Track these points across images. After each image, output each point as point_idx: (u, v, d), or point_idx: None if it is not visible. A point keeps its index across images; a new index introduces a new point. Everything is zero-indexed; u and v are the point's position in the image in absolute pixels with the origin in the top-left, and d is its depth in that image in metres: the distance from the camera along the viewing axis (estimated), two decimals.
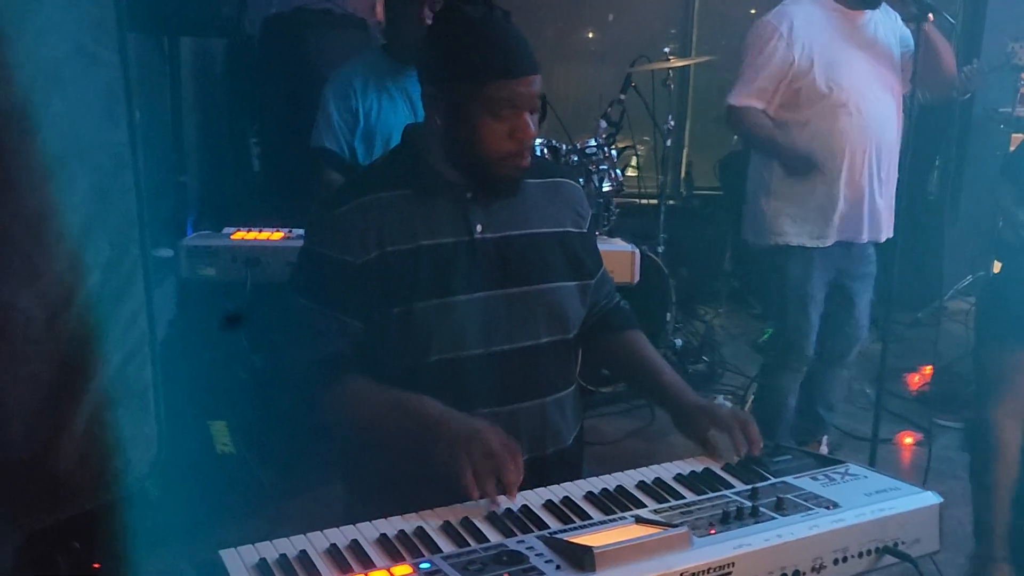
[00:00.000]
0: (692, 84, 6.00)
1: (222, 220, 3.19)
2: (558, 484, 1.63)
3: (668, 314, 4.43)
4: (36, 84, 0.80)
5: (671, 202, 5.79)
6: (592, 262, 1.96)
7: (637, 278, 3.02)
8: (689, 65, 5.74)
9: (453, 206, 1.78)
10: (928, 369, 4.77)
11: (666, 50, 4.86)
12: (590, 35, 6.23)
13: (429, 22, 2.87)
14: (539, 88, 1.71)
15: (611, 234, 4.55)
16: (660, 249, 4.85)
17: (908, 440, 4.06)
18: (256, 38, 4.76)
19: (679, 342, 4.65)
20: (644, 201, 5.40)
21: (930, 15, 2.99)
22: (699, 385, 4.54)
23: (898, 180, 3.38)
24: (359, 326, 1.76)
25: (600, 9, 6.12)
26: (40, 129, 0.82)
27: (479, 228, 1.79)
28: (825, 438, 3.67)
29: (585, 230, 1.95)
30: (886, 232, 3.29)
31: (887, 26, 3.23)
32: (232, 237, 2.67)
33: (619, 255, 2.95)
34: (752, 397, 3.87)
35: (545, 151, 4.22)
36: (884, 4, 3.14)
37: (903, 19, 3.16)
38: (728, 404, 4.27)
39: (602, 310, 2.05)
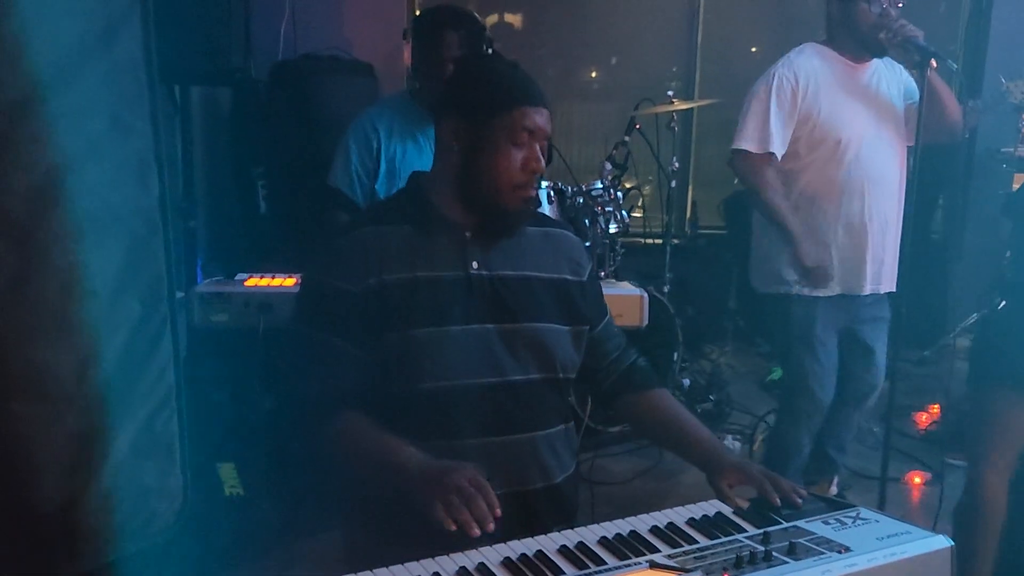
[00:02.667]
0: (696, 124, 6.06)
1: (230, 264, 3.22)
2: (547, 522, 1.69)
3: (675, 354, 4.44)
4: (75, 154, 0.84)
5: (676, 242, 5.83)
6: (591, 311, 2.02)
7: (646, 322, 3.04)
8: (693, 108, 5.81)
9: (452, 243, 1.87)
10: (935, 407, 4.78)
11: (669, 93, 4.93)
12: (594, 77, 6.30)
13: None
14: (549, 124, 1.84)
15: (617, 274, 4.58)
16: (666, 289, 4.89)
17: (917, 480, 4.06)
18: (264, 84, 4.83)
19: (687, 381, 4.66)
20: (649, 241, 5.44)
21: (933, 62, 3.03)
22: (707, 424, 4.53)
23: (903, 219, 3.41)
24: (357, 353, 1.80)
25: (603, 51, 6.19)
26: (78, 196, 0.86)
27: (475, 265, 1.86)
28: (835, 479, 3.67)
29: (583, 279, 2.01)
30: (888, 283, 3.30)
31: (891, 78, 3.28)
32: (245, 284, 2.70)
33: (628, 299, 2.98)
34: (761, 437, 3.87)
35: (551, 193, 4.26)
36: (887, 56, 3.18)
37: (906, 67, 3.21)
38: (736, 444, 4.29)
39: (617, 366, 2.10)
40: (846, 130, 3.17)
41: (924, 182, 5.86)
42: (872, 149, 3.20)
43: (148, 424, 1.02)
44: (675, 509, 1.74)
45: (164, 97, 3.68)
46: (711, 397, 4.67)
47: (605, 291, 2.30)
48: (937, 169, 6.04)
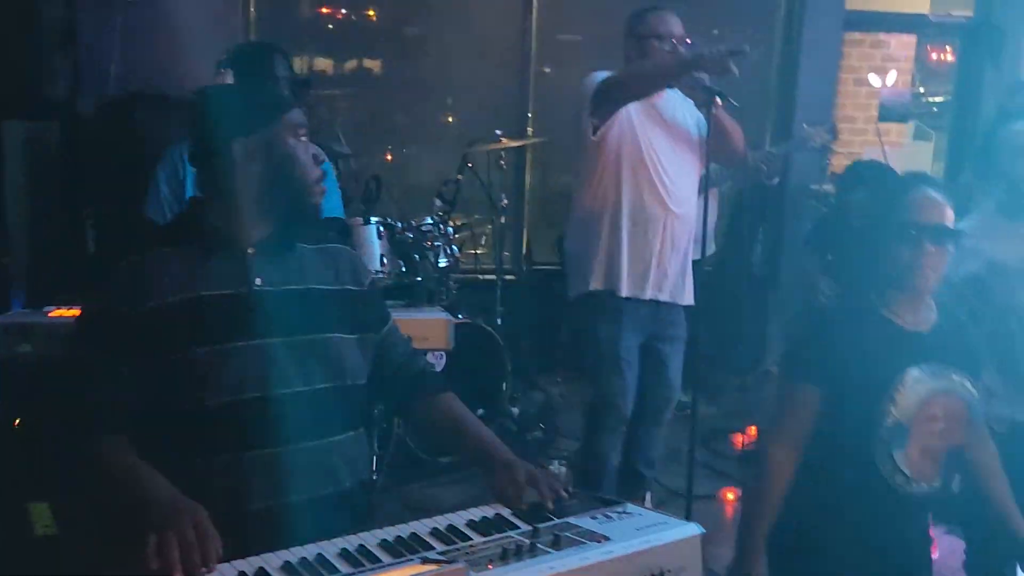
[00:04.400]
0: (530, 163, 6.25)
1: (52, 299, 3.18)
2: (341, 527, 1.74)
3: (504, 384, 4.58)
4: None
5: (512, 277, 6.00)
6: (374, 317, 2.14)
7: (452, 344, 3.15)
8: (525, 145, 6.03)
9: (235, 261, 1.94)
10: (752, 429, 5.05)
11: (498, 132, 5.11)
12: (430, 118, 6.42)
13: None
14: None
15: (451, 308, 4.70)
16: (498, 321, 5.03)
17: (730, 496, 4.29)
18: (91, 120, 4.77)
19: (516, 410, 4.80)
20: (485, 277, 5.58)
21: (717, 100, 3.32)
22: (536, 451, 4.70)
23: (726, 253, 3.69)
24: (133, 375, 1.85)
25: (439, 92, 6.34)
26: None
27: (258, 281, 1.94)
28: (648, 495, 3.85)
29: (364, 288, 2.11)
30: (681, 296, 3.55)
31: (685, 109, 3.56)
32: (50, 315, 2.69)
33: (433, 323, 3.08)
34: None
35: (381, 229, 4.36)
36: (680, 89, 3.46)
37: (695, 104, 3.48)
38: (563, 469, 4.43)
39: (407, 371, 2.20)
40: (651, 152, 3.44)
41: (746, 218, 6.28)
42: (672, 172, 3.47)
43: None
44: (458, 512, 1.84)
45: None
46: (541, 425, 4.82)
47: (412, 315, 2.40)
48: (757, 206, 6.44)
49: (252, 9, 5.74)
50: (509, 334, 5.24)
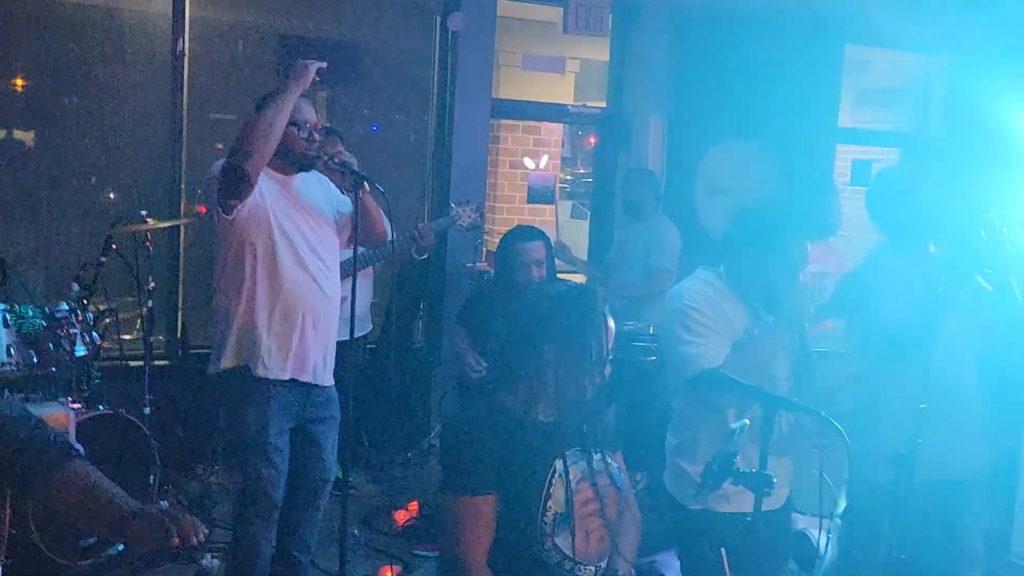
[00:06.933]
0: (183, 246, 6.03)
1: None
2: None
3: (152, 476, 4.34)
4: None
5: (165, 363, 5.75)
6: None
7: (74, 439, 2.95)
8: (179, 226, 5.83)
9: None
10: (413, 504, 5.12)
11: (143, 212, 4.91)
12: (75, 197, 6.04)
13: None
14: None
15: (92, 399, 4.40)
16: (147, 410, 4.77)
17: (388, 574, 4.30)
18: None
19: (165, 503, 4.53)
20: (134, 363, 5.28)
21: (366, 185, 3.40)
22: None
23: (388, 331, 3.71)
24: None
25: (85, 170, 6.00)
26: None
27: None
28: None
29: None
30: (323, 377, 3.55)
31: (321, 190, 3.61)
32: None
33: (52, 419, 2.87)
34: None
35: (7, 317, 4.03)
36: (318, 173, 3.51)
37: (342, 189, 3.53)
38: (216, 562, 4.24)
39: (27, 445, 2.00)
40: (284, 233, 3.41)
41: (406, 295, 6.43)
42: (309, 251, 3.47)
43: None
44: None
45: None
46: (193, 516, 4.58)
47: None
48: (416, 284, 6.61)
49: None
50: (161, 422, 5.00)
